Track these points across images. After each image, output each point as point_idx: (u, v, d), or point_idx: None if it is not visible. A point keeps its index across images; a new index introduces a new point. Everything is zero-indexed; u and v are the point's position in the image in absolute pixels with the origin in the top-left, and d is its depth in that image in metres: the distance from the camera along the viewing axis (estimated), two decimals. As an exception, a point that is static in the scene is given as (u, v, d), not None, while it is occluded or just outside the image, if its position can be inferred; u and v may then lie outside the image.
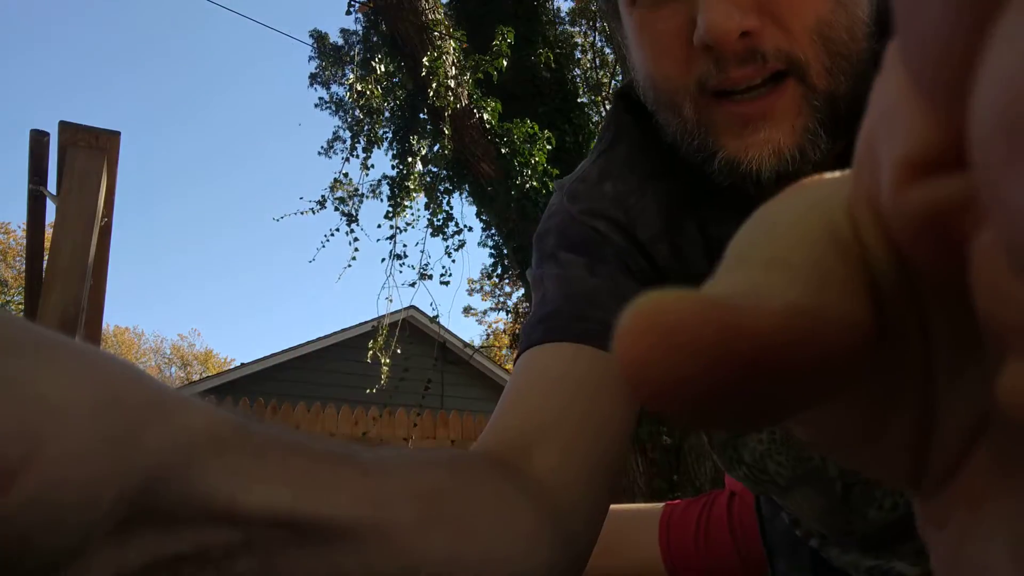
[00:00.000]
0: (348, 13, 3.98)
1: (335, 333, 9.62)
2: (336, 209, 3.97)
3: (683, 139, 0.50)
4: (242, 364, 9.99)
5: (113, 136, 2.08)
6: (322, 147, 11.22)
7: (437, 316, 4.47)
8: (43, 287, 2.03)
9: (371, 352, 4.14)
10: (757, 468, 0.62)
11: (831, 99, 0.47)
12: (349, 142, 3.87)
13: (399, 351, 4.28)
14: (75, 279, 2.00)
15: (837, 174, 0.14)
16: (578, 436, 0.47)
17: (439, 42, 3.61)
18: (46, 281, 2.00)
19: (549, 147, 4.00)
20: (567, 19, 9.99)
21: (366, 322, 9.48)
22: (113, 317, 31.18)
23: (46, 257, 2.14)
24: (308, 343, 9.51)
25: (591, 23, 9.99)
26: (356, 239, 3.94)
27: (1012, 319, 0.10)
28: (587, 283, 0.54)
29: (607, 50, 10.12)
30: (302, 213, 4.00)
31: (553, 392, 0.49)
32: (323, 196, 3.97)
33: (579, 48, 9.74)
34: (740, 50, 0.45)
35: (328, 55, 10.60)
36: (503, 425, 0.48)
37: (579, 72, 9.79)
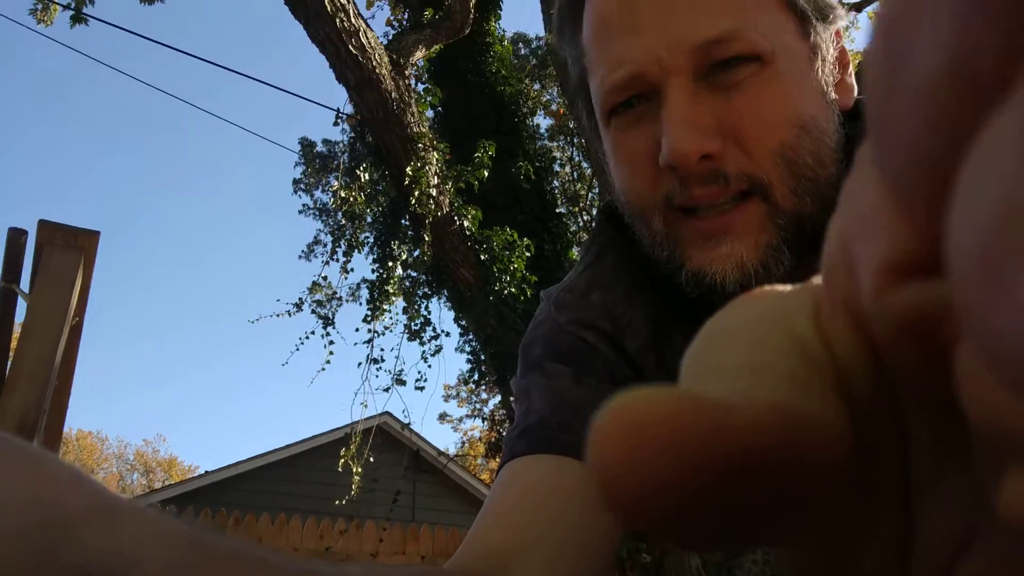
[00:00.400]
0: (336, 124, 4.11)
1: (301, 441, 9.35)
2: (313, 312, 3.95)
3: (655, 251, 0.52)
4: (206, 472, 9.61)
5: (92, 235, 2.07)
6: (303, 251, 11.36)
7: (409, 423, 4.36)
8: (4, 388, 1.96)
9: (343, 460, 4.00)
10: None
11: (796, 218, 0.48)
12: (330, 246, 3.90)
13: (371, 459, 4.15)
14: (39, 382, 1.94)
15: (787, 286, 0.14)
16: (560, 556, 0.45)
17: (423, 153, 3.72)
18: (8, 382, 1.93)
19: (528, 255, 4.06)
20: (546, 135, 10.45)
21: (335, 429, 9.25)
22: (77, 420, 30.14)
23: (11, 356, 2.08)
24: (273, 451, 9.22)
25: (568, 139, 10.44)
26: (332, 342, 3.90)
27: (1010, 432, 0.10)
28: (573, 393, 0.53)
29: (584, 164, 10.54)
30: (278, 315, 3.97)
31: (535, 508, 0.47)
32: (300, 299, 3.96)
33: (557, 162, 10.14)
34: (702, 171, 0.47)
35: (313, 162, 10.92)
36: (481, 542, 0.46)
37: (557, 184, 10.14)
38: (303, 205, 11.20)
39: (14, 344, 2.12)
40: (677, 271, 0.50)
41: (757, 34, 0.47)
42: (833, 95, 0.51)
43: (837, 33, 0.53)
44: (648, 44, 0.47)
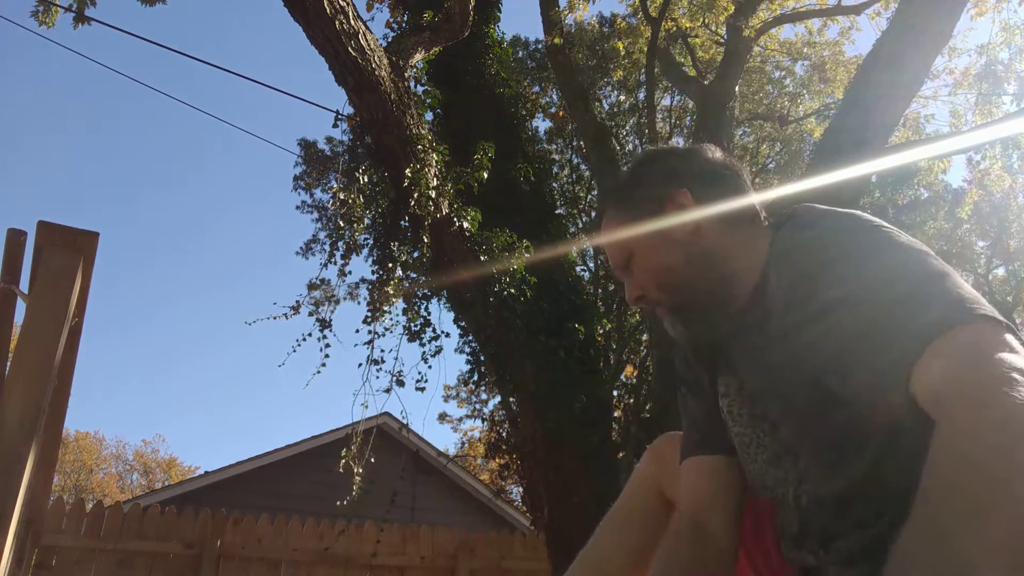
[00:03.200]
0: (335, 126, 4.12)
1: (301, 442, 9.35)
2: (310, 315, 3.94)
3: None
4: (206, 472, 9.61)
5: (91, 236, 2.08)
6: (300, 248, 11.36)
7: (407, 423, 4.35)
8: (4, 387, 1.97)
9: (343, 461, 3.99)
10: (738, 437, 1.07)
11: (680, 309, 1.02)
12: (328, 248, 3.89)
13: (372, 460, 4.15)
14: (39, 381, 1.94)
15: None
16: (731, 506, 1.06)
17: (422, 155, 3.72)
18: (8, 381, 1.94)
19: (527, 256, 4.07)
20: (544, 138, 10.45)
21: (335, 430, 9.24)
22: (77, 420, 30.10)
23: (11, 357, 2.09)
24: (273, 451, 9.22)
25: (567, 141, 10.45)
26: (328, 345, 3.90)
27: None
28: (692, 408, 1.15)
29: (583, 167, 10.54)
30: (275, 318, 3.96)
31: (712, 483, 1.08)
32: (297, 301, 3.95)
33: (556, 164, 10.14)
34: (641, 302, 1.05)
35: (314, 163, 10.92)
36: (688, 500, 1.09)
37: (556, 186, 10.14)
38: (301, 202, 11.20)
39: (14, 344, 2.13)
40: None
41: (635, 245, 1.03)
42: (688, 238, 1.00)
43: (671, 200, 1.01)
44: (610, 259, 1.09)
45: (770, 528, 1.05)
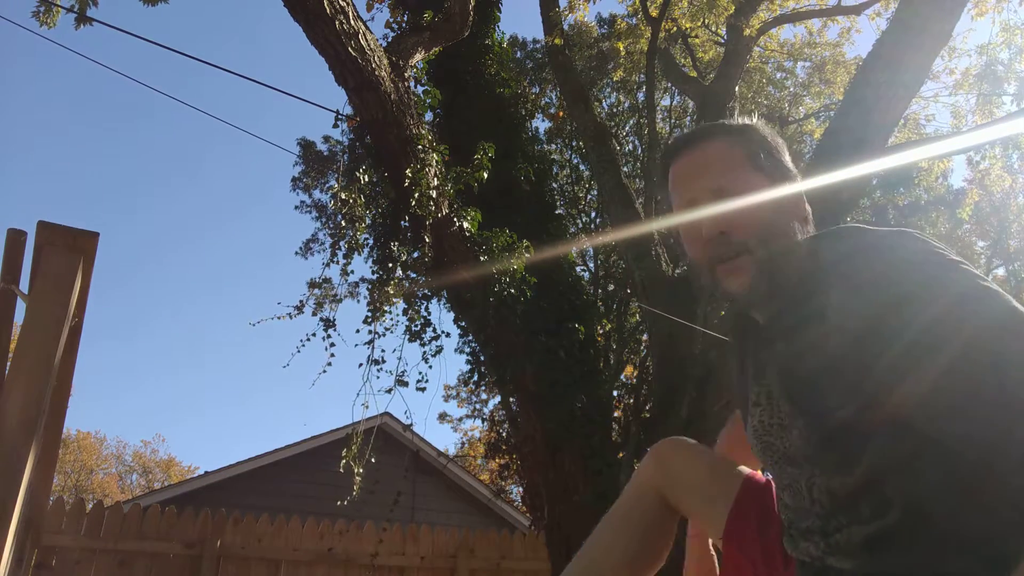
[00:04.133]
0: (335, 126, 4.11)
1: (301, 442, 9.34)
2: (314, 314, 3.93)
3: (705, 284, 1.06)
4: (205, 473, 9.60)
5: (91, 236, 2.08)
6: (299, 248, 11.35)
7: (412, 424, 4.35)
8: (4, 387, 1.97)
9: (344, 461, 3.99)
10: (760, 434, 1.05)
11: (753, 254, 0.98)
12: (330, 248, 3.89)
13: (373, 460, 4.14)
14: (38, 382, 1.94)
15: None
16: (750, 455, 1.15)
17: (422, 155, 3.72)
18: (8, 381, 1.94)
19: (527, 256, 4.07)
20: (544, 138, 10.44)
21: (335, 430, 9.23)
22: (76, 420, 30.08)
23: (11, 357, 2.09)
24: (273, 452, 9.21)
25: (567, 142, 10.44)
26: (333, 344, 3.89)
27: None
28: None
29: (582, 167, 10.54)
30: (279, 318, 3.96)
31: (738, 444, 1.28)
32: (301, 301, 3.95)
33: (556, 164, 10.14)
34: (720, 241, 0.99)
35: (313, 163, 10.92)
36: (727, 446, 1.32)
37: (556, 186, 10.14)
38: (300, 202, 11.19)
39: (14, 344, 2.12)
40: (718, 291, 1.02)
41: (741, 183, 0.99)
42: (790, 212, 1.01)
43: (792, 181, 1.02)
44: (692, 188, 1.02)
45: (767, 522, 1.09)
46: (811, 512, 0.95)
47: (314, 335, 3.92)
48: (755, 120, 1.06)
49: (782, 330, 0.99)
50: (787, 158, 1.04)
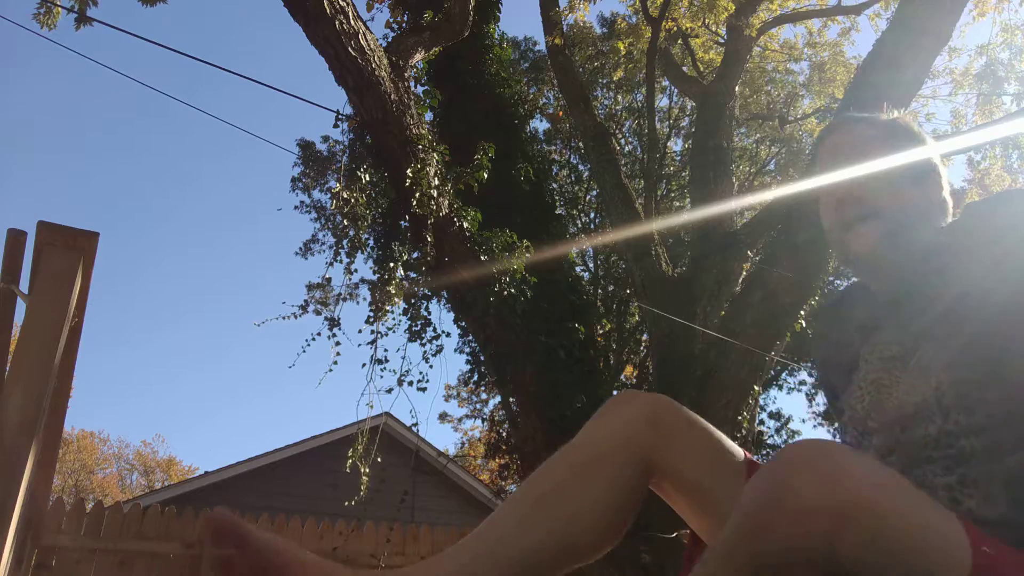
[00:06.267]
0: (335, 126, 4.11)
1: (301, 442, 9.34)
2: (318, 313, 3.94)
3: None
4: (205, 473, 9.60)
5: (91, 236, 2.08)
6: (299, 248, 11.36)
7: (416, 424, 4.35)
8: (4, 387, 1.97)
9: (350, 461, 3.98)
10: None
11: (897, 230, 1.04)
12: (333, 247, 3.89)
13: (379, 459, 4.15)
14: (38, 382, 1.94)
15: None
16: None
17: (422, 155, 3.72)
18: (8, 381, 1.94)
19: (527, 256, 4.07)
20: (544, 139, 10.45)
21: (335, 430, 9.23)
22: (77, 420, 30.09)
23: (11, 357, 2.09)
24: (273, 452, 9.21)
25: (566, 142, 10.45)
26: (338, 343, 3.89)
27: None
28: None
29: (582, 167, 10.54)
30: (284, 318, 3.96)
31: None
32: (305, 301, 3.95)
33: (556, 164, 10.14)
34: (860, 218, 1.06)
35: (312, 163, 10.93)
36: None
37: (556, 186, 10.14)
38: (300, 202, 11.19)
39: (14, 345, 2.12)
40: (847, 259, 1.09)
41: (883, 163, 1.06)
42: (926, 199, 1.06)
43: (933, 175, 1.07)
44: (837, 160, 1.11)
45: None
46: (938, 458, 0.92)
47: (319, 334, 3.92)
48: (901, 112, 1.14)
49: (921, 297, 1.01)
50: (932, 146, 1.11)
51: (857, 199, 1.04)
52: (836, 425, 1.17)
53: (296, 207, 11.19)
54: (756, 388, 4.51)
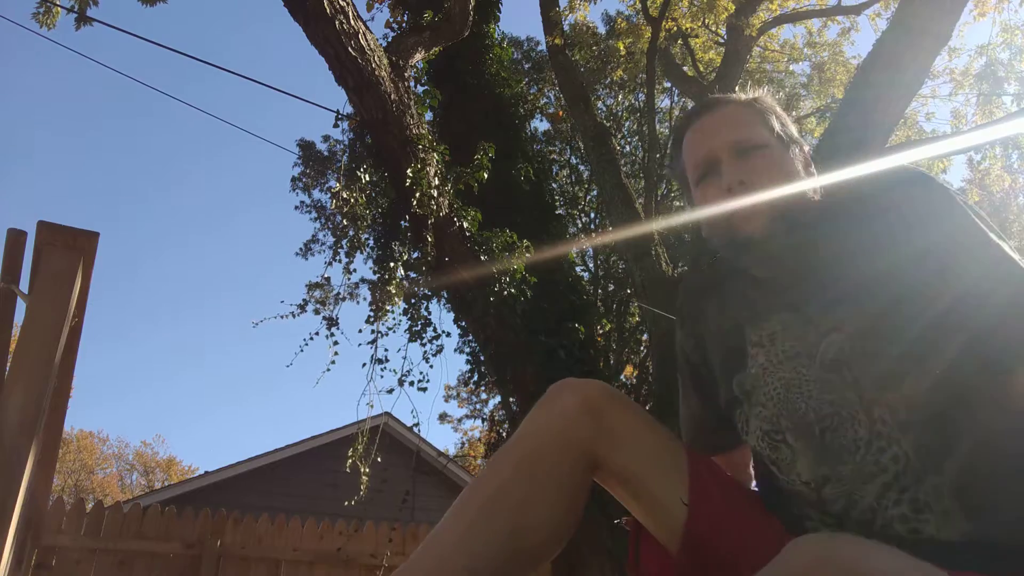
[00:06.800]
0: (335, 126, 4.12)
1: (301, 442, 9.34)
2: (317, 312, 3.93)
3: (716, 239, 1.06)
4: (205, 473, 9.61)
5: (91, 236, 2.08)
6: (299, 249, 11.35)
7: (416, 424, 4.34)
8: (4, 387, 1.97)
9: (351, 461, 3.98)
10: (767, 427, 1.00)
11: (783, 206, 0.99)
12: (332, 247, 3.89)
13: (379, 459, 4.14)
14: (38, 382, 1.94)
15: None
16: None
17: (422, 155, 3.72)
18: (8, 381, 1.94)
19: (527, 255, 4.07)
20: (544, 139, 10.45)
21: (335, 430, 9.23)
22: (77, 420, 30.08)
23: (11, 357, 2.09)
24: (273, 452, 9.21)
25: (567, 142, 10.45)
26: (336, 343, 3.89)
27: None
28: None
29: (582, 167, 10.54)
30: (283, 317, 3.96)
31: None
32: (304, 300, 3.95)
33: (556, 164, 10.15)
34: (740, 187, 1.01)
35: (312, 163, 10.93)
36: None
37: (556, 186, 10.15)
38: (300, 202, 11.20)
39: (14, 344, 2.12)
40: (734, 244, 1.01)
41: (759, 138, 1.03)
42: (802, 171, 1.04)
43: (800, 149, 1.07)
44: (711, 145, 1.04)
45: (733, 498, 1.02)
46: (875, 473, 0.87)
47: (317, 334, 3.92)
48: (762, 91, 1.13)
49: (814, 265, 0.99)
50: (792, 126, 1.12)
51: (743, 186, 0.99)
52: (715, 413, 1.12)
53: (296, 207, 11.20)
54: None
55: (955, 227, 0.92)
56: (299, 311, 3.87)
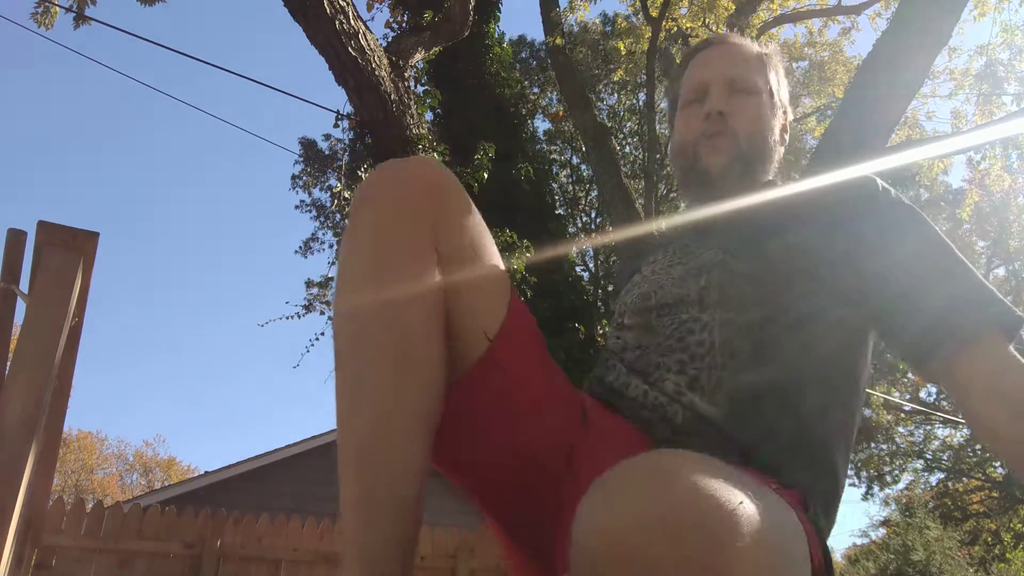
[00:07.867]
0: (336, 126, 4.12)
1: (301, 441, 9.33)
2: (322, 313, 3.94)
3: (680, 161, 1.07)
4: (205, 472, 9.61)
5: (91, 236, 2.07)
6: (299, 247, 11.36)
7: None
8: (4, 387, 1.97)
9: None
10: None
11: (748, 153, 1.04)
12: (335, 246, 3.90)
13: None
14: (38, 382, 1.94)
15: None
16: None
17: (422, 155, 3.72)
18: (8, 381, 1.94)
19: (527, 255, 4.07)
20: (544, 139, 10.45)
21: (334, 430, 9.23)
22: (77, 420, 30.09)
23: (11, 357, 2.09)
24: (273, 451, 9.20)
25: (567, 142, 10.44)
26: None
27: None
28: None
29: (582, 167, 10.54)
30: (288, 318, 3.96)
31: None
32: (308, 300, 3.96)
33: (557, 163, 10.15)
34: (716, 119, 1.04)
35: (314, 162, 10.93)
36: None
37: (556, 186, 10.14)
38: (300, 201, 11.21)
39: (13, 345, 2.12)
40: (691, 171, 1.05)
41: (753, 83, 1.06)
42: (777, 135, 1.09)
43: (784, 114, 1.11)
44: (709, 73, 1.07)
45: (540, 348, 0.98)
46: (676, 349, 0.90)
47: (323, 334, 3.93)
48: (774, 47, 1.17)
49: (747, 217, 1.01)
50: (787, 92, 1.15)
51: (723, 116, 1.03)
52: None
53: (296, 206, 11.21)
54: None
55: (913, 234, 0.93)
56: (304, 312, 3.88)
